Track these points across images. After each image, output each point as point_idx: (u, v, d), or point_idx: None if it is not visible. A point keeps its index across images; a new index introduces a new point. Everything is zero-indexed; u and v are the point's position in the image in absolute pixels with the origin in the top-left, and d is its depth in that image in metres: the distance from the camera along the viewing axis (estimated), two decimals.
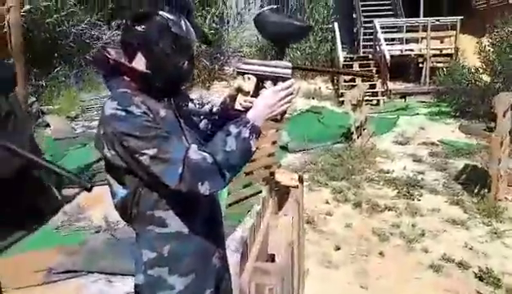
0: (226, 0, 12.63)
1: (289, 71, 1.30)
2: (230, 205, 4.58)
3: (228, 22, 12.45)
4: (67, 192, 4.78)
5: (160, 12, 1.26)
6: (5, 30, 4.80)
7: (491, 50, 8.44)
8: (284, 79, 1.30)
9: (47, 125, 7.49)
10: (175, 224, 1.28)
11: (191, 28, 1.28)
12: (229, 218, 4.18)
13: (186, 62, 1.30)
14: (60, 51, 9.58)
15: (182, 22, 1.27)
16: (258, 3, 13.37)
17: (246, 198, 4.72)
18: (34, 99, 7.68)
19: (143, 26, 1.25)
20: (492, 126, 5.35)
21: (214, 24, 11.55)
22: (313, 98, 10.58)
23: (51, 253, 3.57)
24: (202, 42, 1.62)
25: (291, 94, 1.29)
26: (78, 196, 4.61)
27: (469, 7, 14.14)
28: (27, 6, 8.33)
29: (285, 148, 6.88)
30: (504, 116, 4.78)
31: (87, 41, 10.05)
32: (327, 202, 4.93)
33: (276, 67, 1.31)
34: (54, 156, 5.97)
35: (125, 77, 1.27)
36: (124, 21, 1.30)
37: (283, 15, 1.58)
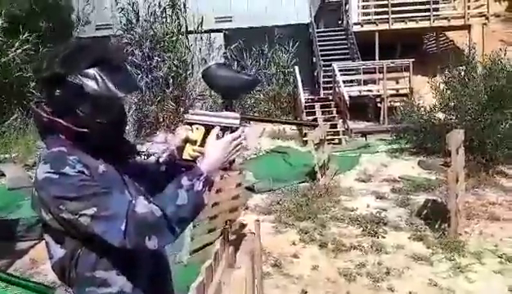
0: (190, 45, 12.87)
1: (238, 121, 1.32)
2: (194, 251, 4.44)
3: (193, 67, 12.63)
4: (19, 246, 4.52)
5: (73, 72, 1.17)
6: None
7: (445, 88, 8.94)
8: (232, 129, 1.30)
9: (2, 174, 7.15)
10: (118, 283, 1.21)
11: (113, 83, 1.19)
12: (192, 266, 4.04)
13: (113, 117, 1.25)
14: (18, 98, 9.35)
15: (100, 78, 1.18)
16: (222, 50, 13.70)
17: (211, 243, 4.59)
18: None
19: (58, 90, 1.18)
20: (449, 162, 5.57)
21: (177, 69, 11.69)
22: (278, 138, 10.73)
23: None
24: (130, 93, 1.52)
25: (241, 143, 1.30)
26: (30, 250, 4.36)
27: (421, 50, 15.08)
28: None
29: (251, 189, 6.84)
30: (457, 152, 4.98)
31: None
32: (294, 244, 4.89)
33: (225, 117, 1.32)
34: (7, 207, 5.66)
35: (60, 136, 1.22)
36: (39, 83, 1.25)
37: (230, 69, 1.61)
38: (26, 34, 9.66)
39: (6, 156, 7.95)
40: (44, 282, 3.85)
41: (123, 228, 1.10)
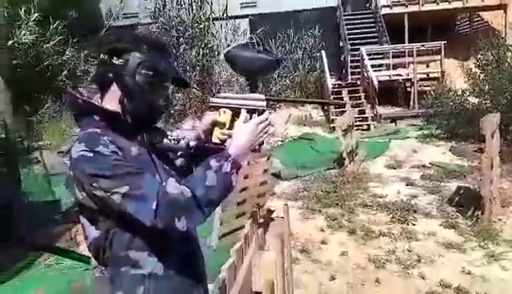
0: (216, 32, 12.86)
1: (264, 103, 1.31)
2: (223, 236, 4.50)
3: (218, 53, 12.63)
4: (57, 228, 4.69)
5: (139, 48, 1.26)
6: None
7: (478, 72, 8.62)
8: (259, 111, 1.30)
9: (38, 161, 7.43)
10: (149, 264, 1.23)
11: (169, 69, 1.29)
12: (222, 250, 4.10)
13: (161, 100, 1.30)
14: (51, 87, 9.60)
15: (161, 61, 1.27)
16: (247, 36, 13.62)
17: (240, 228, 4.64)
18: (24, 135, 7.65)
19: (121, 60, 1.25)
20: (483, 147, 5.39)
21: (204, 56, 11.72)
22: (305, 125, 10.64)
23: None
24: (179, 85, 1.61)
25: (268, 125, 1.30)
26: (67, 232, 4.53)
27: (453, 32, 14.54)
28: (11, 41, 8.35)
29: (277, 175, 6.84)
30: (492, 137, 4.81)
31: (80, 75, 10.11)
32: (322, 230, 4.87)
33: (250, 100, 1.32)
34: (43, 192, 5.88)
35: (95, 117, 1.26)
36: (102, 55, 1.30)
37: (251, 50, 1.60)
38: (56, 25, 9.87)
39: (41, 143, 8.22)
40: (78, 265, 4.01)
41: (154, 207, 1.11)
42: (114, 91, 1.27)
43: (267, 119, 1.29)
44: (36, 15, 9.29)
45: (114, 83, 1.26)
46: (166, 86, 1.31)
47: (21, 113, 8.31)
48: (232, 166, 1.20)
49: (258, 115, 1.29)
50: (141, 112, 1.27)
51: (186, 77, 11.30)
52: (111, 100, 1.27)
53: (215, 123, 1.34)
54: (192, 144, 1.46)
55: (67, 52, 10.07)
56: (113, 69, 1.25)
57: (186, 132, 1.49)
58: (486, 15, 14.71)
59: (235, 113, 1.31)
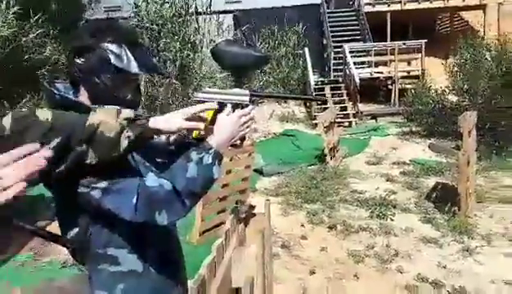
0: (199, 27, 12.77)
1: (247, 98, 1.30)
2: (204, 232, 4.49)
3: (201, 48, 12.54)
4: (35, 224, 4.60)
5: (102, 45, 1.23)
6: None
7: (458, 70, 8.79)
8: (242, 106, 1.29)
9: None
10: (128, 261, 1.23)
11: (135, 61, 1.24)
12: (202, 246, 4.09)
13: (129, 95, 1.27)
14: (30, 81, 9.39)
15: (124, 54, 1.23)
16: (231, 32, 13.57)
17: (221, 224, 4.64)
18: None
19: (82, 59, 1.23)
20: (460, 145, 5.51)
21: (185, 50, 11.63)
22: (287, 121, 10.69)
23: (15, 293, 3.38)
24: (157, 74, 1.61)
25: (251, 119, 1.29)
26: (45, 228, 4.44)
27: (433, 32, 14.78)
28: None
29: (259, 171, 6.86)
30: (469, 134, 4.92)
31: (61, 68, 9.89)
32: (302, 226, 4.91)
33: (234, 94, 1.31)
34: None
35: (72, 113, 1.24)
36: (68, 54, 1.28)
37: (239, 45, 1.58)
38: (36, 18, 9.64)
39: None
40: (55, 261, 3.95)
41: (134, 201, 1.11)
42: (83, 89, 1.26)
43: (249, 113, 1.28)
44: (15, 8, 9.06)
45: (81, 83, 1.25)
46: (132, 80, 1.28)
47: None
48: (213, 157, 1.19)
49: (242, 109, 1.28)
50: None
51: (166, 70, 11.22)
52: (83, 97, 1.26)
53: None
54: (172, 139, 1.45)
55: (47, 46, 9.85)
56: (76, 68, 1.23)
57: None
58: (466, 14, 15.00)
59: (217, 109, 1.30)
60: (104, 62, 1.22)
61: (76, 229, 1.21)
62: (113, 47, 1.22)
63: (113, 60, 1.22)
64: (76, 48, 1.24)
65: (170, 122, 1.18)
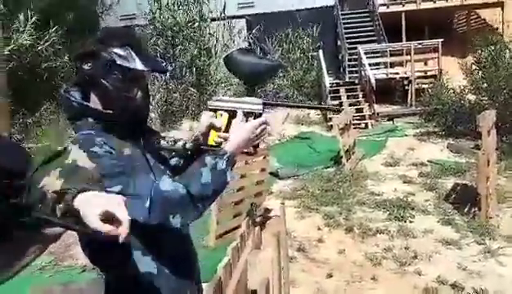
0: (213, 32, 12.86)
1: (261, 107, 1.33)
2: (220, 236, 4.50)
3: (216, 53, 12.63)
4: (53, 230, 4.68)
5: (107, 49, 1.25)
6: None
7: (477, 68, 8.63)
8: (255, 114, 1.31)
9: None
10: (144, 264, 1.24)
11: (140, 60, 1.27)
12: (218, 249, 4.10)
13: (139, 93, 1.30)
14: (48, 89, 9.61)
15: (129, 54, 1.27)
16: (244, 35, 13.62)
17: (237, 227, 4.64)
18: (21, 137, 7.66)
19: (89, 64, 1.25)
20: (480, 144, 5.39)
21: (200, 56, 11.71)
22: (302, 124, 10.64)
23: None
24: (162, 72, 1.65)
25: (265, 129, 1.31)
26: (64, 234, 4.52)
27: (450, 30, 14.55)
28: (11, 46, 8.37)
29: (275, 174, 6.85)
30: (489, 134, 4.82)
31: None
32: (319, 229, 4.87)
33: (247, 103, 1.34)
34: None
35: (89, 119, 1.27)
36: (75, 62, 1.31)
37: (253, 54, 1.61)
38: (54, 28, 9.89)
39: (38, 145, 8.22)
40: (76, 265, 4.01)
41: (147, 205, 1.12)
42: (93, 95, 1.28)
43: (264, 123, 1.31)
44: (34, 18, 9.32)
45: (91, 89, 1.28)
46: (140, 78, 1.31)
47: (19, 115, 8.33)
48: (228, 163, 1.22)
49: (255, 118, 1.31)
50: (122, 108, 1.27)
51: (184, 77, 11.32)
52: (95, 103, 1.28)
53: (212, 126, 1.35)
54: (189, 145, 1.47)
55: (64, 55, 10.08)
56: (84, 74, 1.26)
57: (183, 133, 1.50)
58: (483, 12, 14.73)
59: (232, 116, 1.34)
60: (110, 64, 1.25)
61: None
62: (118, 50, 1.26)
63: (118, 60, 1.25)
64: (81, 54, 1.27)
65: (86, 215, 0.93)
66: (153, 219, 1.13)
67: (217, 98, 1.39)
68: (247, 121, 1.31)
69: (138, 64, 1.26)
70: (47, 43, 9.59)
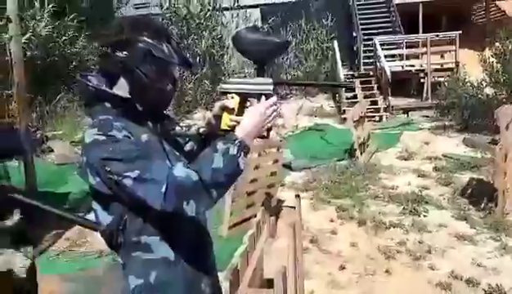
0: (227, 22, 12.81)
1: (271, 87, 1.31)
2: (233, 226, 4.53)
3: (229, 44, 12.60)
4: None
5: (141, 38, 1.26)
6: (7, 58, 4.85)
7: (495, 61, 8.45)
8: (266, 95, 1.29)
9: (51, 150, 7.52)
10: (161, 250, 1.26)
11: (174, 53, 1.29)
12: (232, 239, 4.13)
13: (169, 85, 1.31)
14: (64, 77, 9.69)
15: (164, 46, 1.28)
16: (259, 25, 13.53)
17: (250, 218, 4.66)
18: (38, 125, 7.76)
19: (125, 52, 1.26)
20: (497, 139, 5.30)
21: (213, 46, 11.70)
22: (315, 116, 10.59)
23: (51, 281, 3.51)
24: (186, 67, 1.64)
25: (276, 110, 1.30)
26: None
27: (468, 22, 14.26)
28: (28, 35, 8.45)
29: (288, 166, 6.84)
30: (507, 128, 4.73)
31: (92, 66, 10.17)
32: (332, 221, 4.86)
33: (257, 84, 1.32)
34: (57, 181, 5.95)
35: (106, 104, 1.27)
36: (103, 48, 1.31)
37: (260, 32, 1.58)
38: (71, 17, 9.96)
39: (54, 133, 8.32)
40: (91, 252, 4.08)
41: (163, 190, 1.12)
42: (123, 81, 1.29)
43: (275, 103, 1.29)
44: (50, 6, 9.38)
45: (122, 76, 1.28)
46: (173, 70, 1.32)
47: (35, 103, 8.43)
48: (239, 148, 1.20)
49: (266, 99, 1.29)
50: (151, 98, 1.29)
51: (195, 65, 11.31)
52: (121, 88, 1.29)
53: (224, 108, 1.34)
54: (202, 130, 1.47)
55: (79, 42, 10.14)
56: (117, 61, 1.26)
57: (197, 122, 1.51)
58: (502, 4, 14.39)
59: (243, 98, 1.32)
60: (146, 54, 1.25)
61: (110, 218, 1.24)
62: (153, 41, 1.27)
63: (155, 52, 1.26)
64: (116, 42, 1.27)
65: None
66: (168, 205, 1.13)
67: (227, 80, 1.38)
68: (258, 102, 1.29)
69: (174, 58, 1.28)
70: (63, 32, 9.66)
